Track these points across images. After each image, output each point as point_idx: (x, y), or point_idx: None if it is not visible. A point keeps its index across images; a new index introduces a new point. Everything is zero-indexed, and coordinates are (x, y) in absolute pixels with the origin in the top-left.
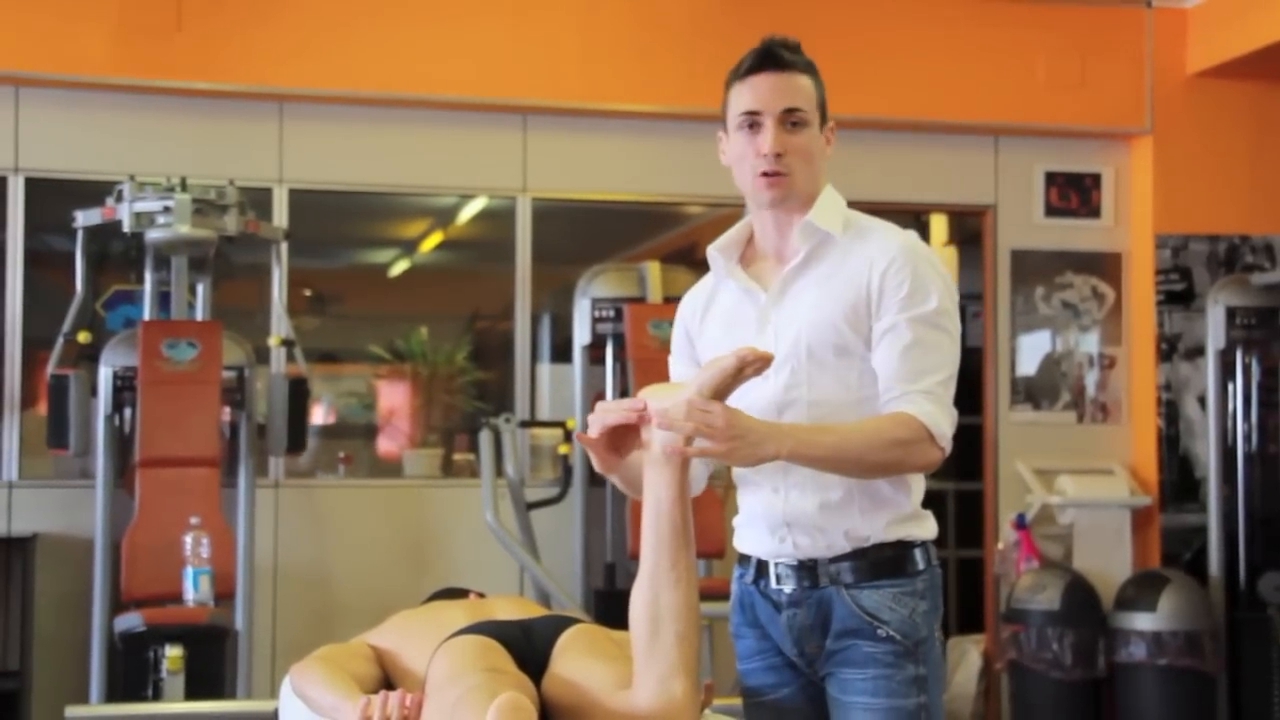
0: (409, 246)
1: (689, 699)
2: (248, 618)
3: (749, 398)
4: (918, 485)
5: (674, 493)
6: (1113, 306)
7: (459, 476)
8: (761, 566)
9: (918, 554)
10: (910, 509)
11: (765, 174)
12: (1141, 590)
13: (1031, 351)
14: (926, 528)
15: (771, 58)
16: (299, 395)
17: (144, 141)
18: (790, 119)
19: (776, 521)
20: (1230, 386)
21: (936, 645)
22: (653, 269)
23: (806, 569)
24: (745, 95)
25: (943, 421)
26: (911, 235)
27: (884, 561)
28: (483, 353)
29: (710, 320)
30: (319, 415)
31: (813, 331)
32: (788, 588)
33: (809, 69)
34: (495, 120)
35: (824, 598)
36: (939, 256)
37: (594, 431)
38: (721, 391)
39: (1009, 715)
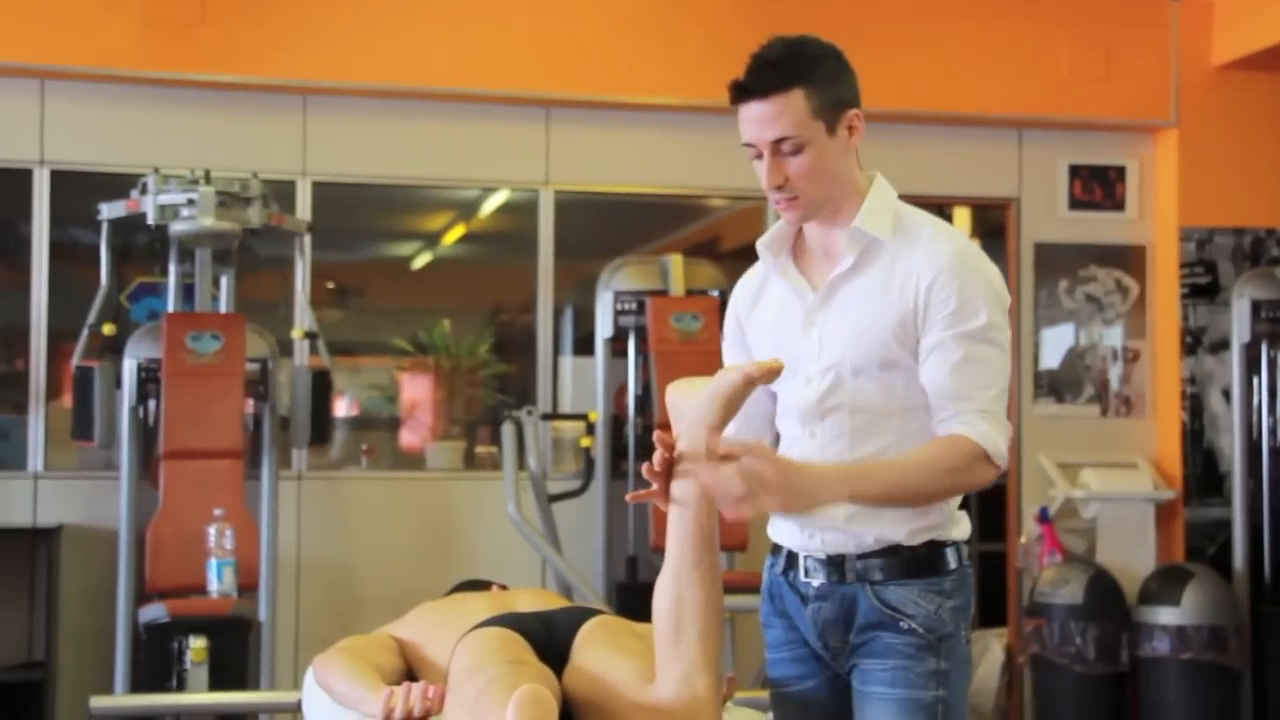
0: (432, 239)
1: (710, 696)
2: (271, 609)
3: (790, 400)
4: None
5: (699, 492)
6: (1137, 300)
7: (481, 469)
8: (792, 558)
9: (949, 553)
10: (944, 516)
11: (780, 201)
12: (1165, 584)
13: (1055, 345)
14: (960, 528)
15: (746, 91)
16: (322, 387)
17: (168, 134)
18: (781, 148)
19: (807, 518)
20: (1255, 380)
21: (963, 644)
22: (675, 262)
23: (835, 564)
24: (740, 124)
25: (999, 439)
26: (959, 240)
27: (914, 560)
28: (505, 345)
29: (760, 312)
30: (342, 408)
31: (858, 345)
32: (815, 581)
33: (800, 77)
34: (518, 113)
35: (849, 594)
36: (988, 260)
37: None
38: (734, 400)
39: (1031, 709)
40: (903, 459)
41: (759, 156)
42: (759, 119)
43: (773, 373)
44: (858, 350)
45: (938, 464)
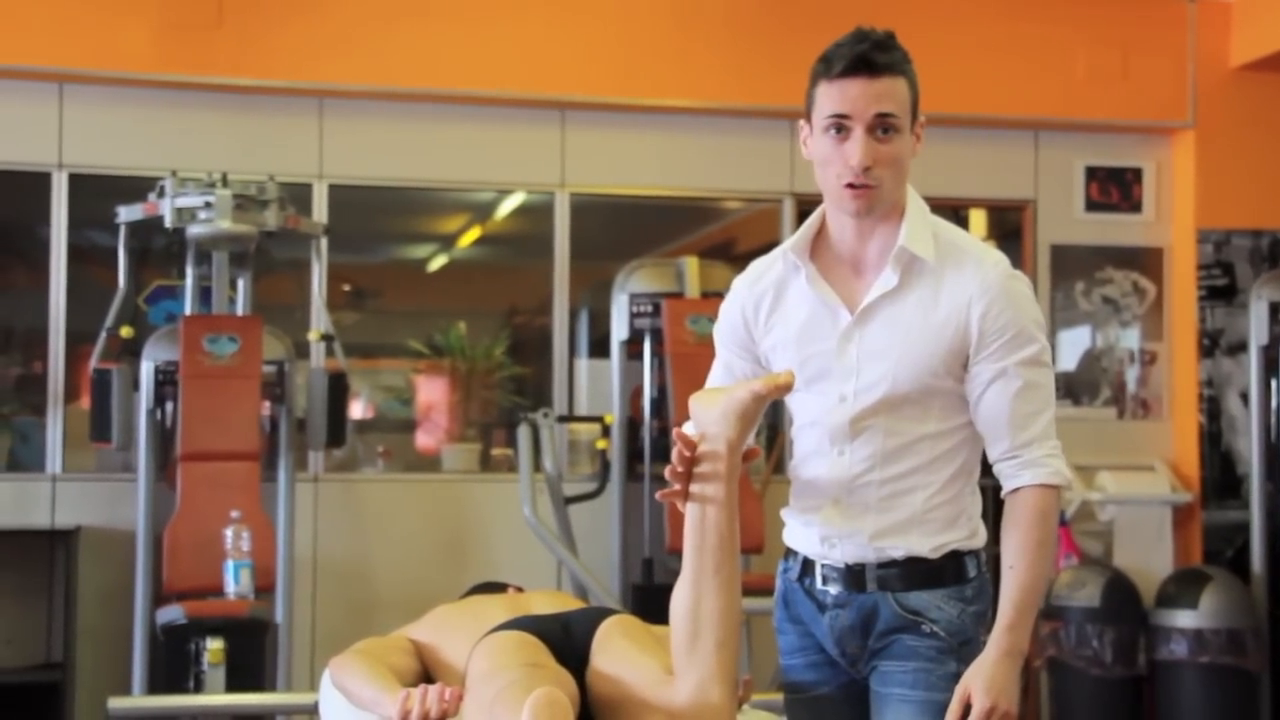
0: (448, 242)
1: (726, 704)
2: (288, 611)
3: (817, 415)
4: (975, 509)
5: (721, 499)
6: (1154, 302)
7: (497, 471)
8: (807, 565)
9: (968, 562)
10: (969, 531)
11: (851, 185)
12: (1183, 587)
13: (1072, 347)
14: (979, 536)
15: (863, 63)
16: (338, 390)
17: (185, 137)
18: (881, 124)
19: (830, 533)
20: (1273, 382)
21: (981, 649)
22: (691, 264)
23: (854, 573)
24: (834, 97)
25: (1063, 467)
26: (1003, 263)
27: (936, 570)
28: (521, 348)
29: (779, 320)
30: (358, 410)
31: (903, 368)
32: (833, 589)
33: (903, 67)
34: (534, 115)
35: (869, 602)
36: (1026, 279)
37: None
38: (748, 416)
39: (1048, 712)
40: (1018, 558)
41: (841, 131)
42: (867, 93)
43: (782, 388)
44: (903, 373)
45: (1039, 534)
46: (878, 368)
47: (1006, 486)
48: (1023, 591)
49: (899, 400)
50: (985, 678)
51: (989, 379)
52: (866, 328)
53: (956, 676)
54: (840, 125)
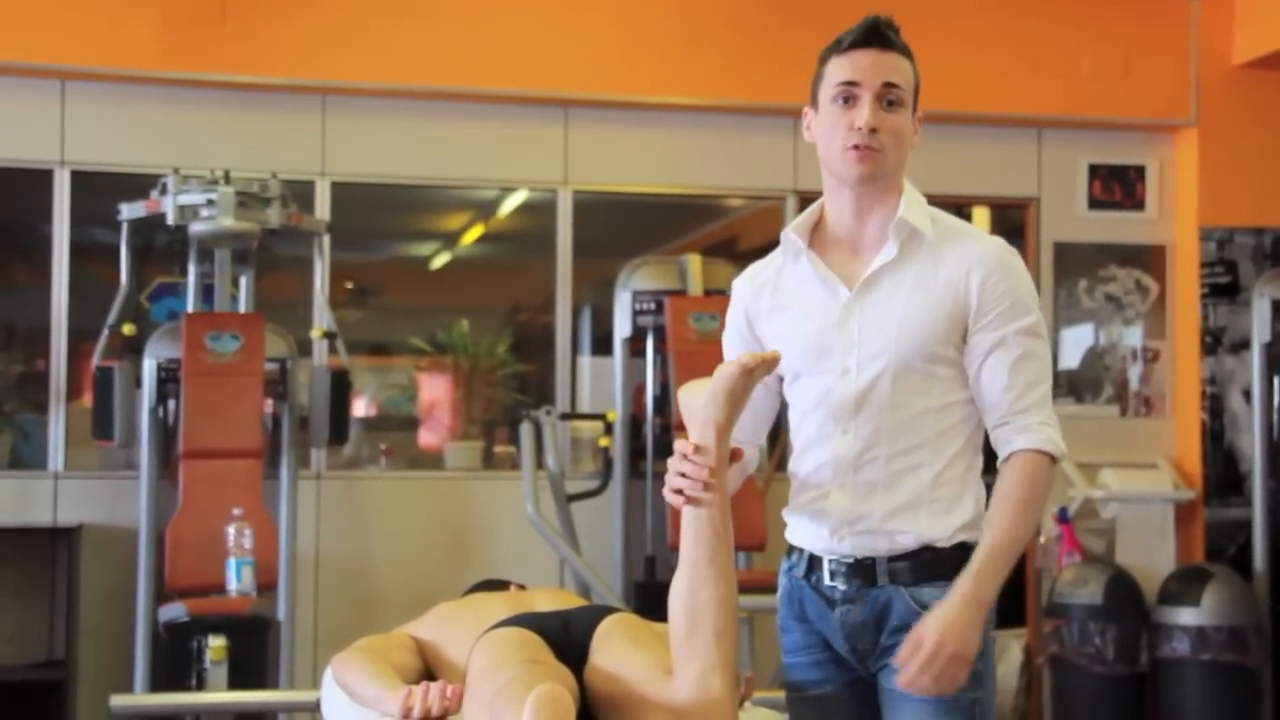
0: (450, 239)
1: (726, 695)
2: (290, 608)
3: (820, 395)
4: (980, 493)
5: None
6: (1156, 299)
7: (500, 469)
8: (814, 561)
9: None
10: (976, 514)
11: (857, 148)
12: (1185, 585)
13: (1074, 345)
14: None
15: (876, 34)
16: (341, 387)
17: (188, 134)
18: (888, 95)
19: (839, 521)
20: (1276, 380)
21: (991, 643)
22: (694, 262)
23: (864, 567)
24: (844, 66)
25: (1058, 437)
26: (999, 239)
27: (944, 562)
28: (523, 345)
29: (778, 305)
30: (361, 407)
31: (904, 337)
32: (841, 585)
33: (908, 53)
34: (536, 113)
35: (881, 596)
36: (1020, 258)
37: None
38: (736, 394)
39: (1050, 710)
40: (1002, 513)
41: (849, 100)
42: (877, 63)
43: (769, 363)
44: (904, 344)
45: (1027, 494)
46: (879, 339)
47: (1001, 454)
48: (996, 544)
49: (902, 371)
50: (939, 619)
51: (988, 348)
52: (867, 300)
53: (974, 674)
54: (849, 94)
